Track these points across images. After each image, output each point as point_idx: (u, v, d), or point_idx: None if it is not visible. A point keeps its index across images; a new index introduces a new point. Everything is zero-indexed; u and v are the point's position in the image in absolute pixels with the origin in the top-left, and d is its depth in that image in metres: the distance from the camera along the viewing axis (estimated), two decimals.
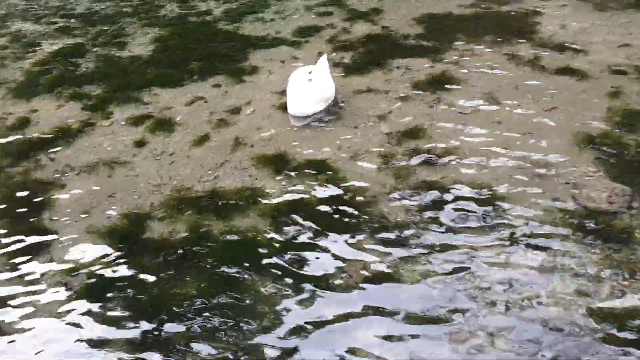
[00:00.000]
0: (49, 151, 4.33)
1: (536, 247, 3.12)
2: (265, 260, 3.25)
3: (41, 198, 3.88)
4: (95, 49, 5.96)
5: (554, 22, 5.58)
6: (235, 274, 3.19)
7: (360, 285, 3.07)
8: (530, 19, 5.70)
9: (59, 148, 4.36)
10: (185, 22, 6.49)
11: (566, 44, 5.13)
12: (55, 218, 3.72)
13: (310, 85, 4.36)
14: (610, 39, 5.16)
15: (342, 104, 4.55)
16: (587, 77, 4.59)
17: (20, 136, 4.55)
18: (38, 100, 5.05)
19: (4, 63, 5.76)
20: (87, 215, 3.71)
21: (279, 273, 3.17)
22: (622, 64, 4.72)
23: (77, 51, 5.93)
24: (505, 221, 3.31)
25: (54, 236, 3.57)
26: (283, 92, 4.60)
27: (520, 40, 5.27)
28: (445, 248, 3.21)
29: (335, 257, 3.24)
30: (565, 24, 5.52)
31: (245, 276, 3.18)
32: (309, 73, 4.43)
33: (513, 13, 5.87)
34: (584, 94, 4.38)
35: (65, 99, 5.02)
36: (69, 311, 3.11)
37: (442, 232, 3.31)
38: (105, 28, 6.48)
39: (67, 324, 3.05)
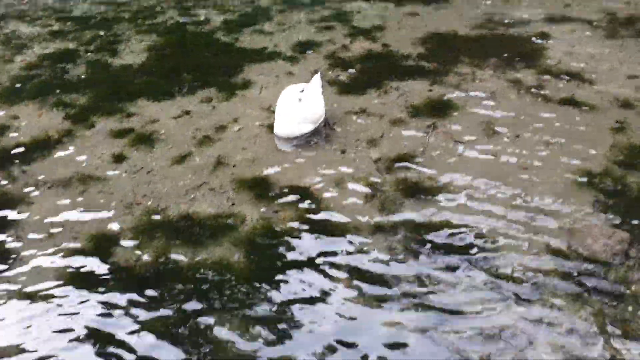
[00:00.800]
0: (23, 162, 4.14)
1: (525, 299, 2.88)
2: (234, 296, 3.03)
3: (7, 214, 3.69)
4: (87, 55, 5.80)
5: (561, 48, 5.36)
6: (200, 309, 2.98)
7: (333, 323, 2.85)
8: (537, 44, 5.47)
9: (35, 160, 4.17)
10: (182, 31, 6.32)
11: (572, 72, 4.90)
12: (20, 236, 3.52)
13: (300, 105, 4.16)
14: (619, 68, 4.93)
15: (334, 126, 4.34)
16: (592, 109, 4.35)
17: None
18: (21, 106, 4.88)
19: None
20: (52, 235, 3.50)
21: (248, 312, 2.95)
22: (629, 97, 4.48)
23: (68, 56, 5.77)
24: (493, 268, 3.07)
25: (14, 256, 3.37)
26: (273, 110, 4.41)
27: (524, 66, 5.05)
28: (425, 293, 2.98)
29: (309, 297, 3.01)
30: (573, 51, 5.29)
31: (211, 313, 2.96)
32: (301, 92, 4.24)
33: (520, 35, 5.65)
34: (587, 127, 4.15)
35: (49, 106, 4.85)
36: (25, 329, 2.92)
37: (424, 274, 3.08)
38: (100, 33, 6.32)
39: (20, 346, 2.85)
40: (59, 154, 4.22)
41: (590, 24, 5.85)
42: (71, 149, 4.28)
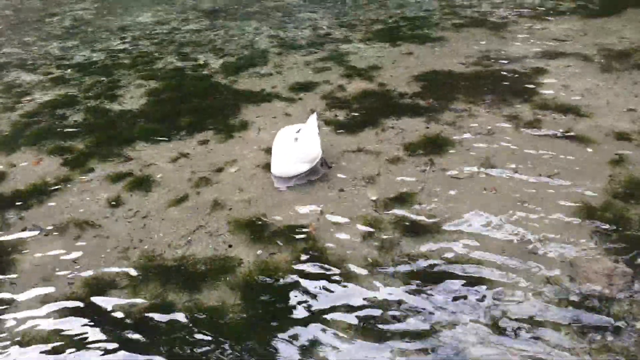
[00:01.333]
0: (19, 209, 4.13)
1: (525, 336, 2.80)
2: (231, 342, 2.96)
3: (2, 262, 3.65)
4: (86, 101, 5.85)
5: (557, 83, 5.38)
6: (195, 354, 2.91)
7: None
8: (532, 79, 5.50)
9: (31, 206, 4.16)
10: (181, 76, 6.39)
11: (569, 107, 4.90)
12: (14, 283, 3.48)
13: (296, 145, 4.16)
14: (616, 102, 4.93)
15: (332, 165, 4.33)
16: (590, 143, 4.33)
17: None
18: (19, 153, 4.90)
19: None
20: (48, 281, 3.46)
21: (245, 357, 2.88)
22: (627, 130, 4.47)
23: (68, 102, 5.82)
24: (493, 305, 3.01)
25: (8, 305, 3.31)
26: (270, 150, 4.40)
27: (520, 101, 5.06)
28: (425, 332, 2.91)
29: (307, 341, 2.94)
30: (568, 85, 5.32)
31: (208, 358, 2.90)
32: (297, 132, 4.24)
33: (516, 71, 5.69)
34: (585, 161, 4.12)
35: (47, 153, 4.86)
36: None
37: (424, 312, 3.01)
38: (100, 79, 6.39)
39: None
40: (56, 200, 4.21)
41: (585, 58, 5.89)
42: (68, 194, 4.26)
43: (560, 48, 6.23)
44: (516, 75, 5.62)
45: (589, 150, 4.25)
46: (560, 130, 4.53)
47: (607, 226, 3.45)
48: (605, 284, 2.99)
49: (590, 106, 4.88)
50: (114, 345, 3.00)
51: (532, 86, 5.35)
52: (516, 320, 2.92)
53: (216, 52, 7.04)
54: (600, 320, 2.86)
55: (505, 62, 5.97)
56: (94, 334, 3.08)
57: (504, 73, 5.71)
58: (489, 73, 5.75)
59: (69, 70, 6.75)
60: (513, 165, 4.13)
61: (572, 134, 4.47)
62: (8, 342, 3.07)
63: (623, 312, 2.88)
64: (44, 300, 3.33)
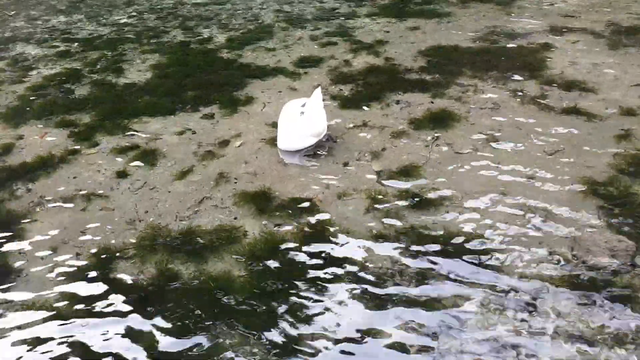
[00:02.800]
0: (27, 181, 4.17)
1: (529, 308, 2.84)
2: (236, 309, 3.01)
3: (12, 230, 3.70)
4: (92, 75, 5.86)
5: (564, 59, 5.35)
6: (201, 324, 2.95)
7: (336, 340, 2.81)
8: (539, 55, 5.46)
9: (38, 178, 4.19)
10: (186, 50, 6.38)
11: (575, 82, 4.88)
12: (23, 253, 3.53)
13: (302, 119, 4.17)
14: (623, 77, 4.91)
15: (337, 139, 4.34)
16: (596, 118, 4.32)
17: (0, 164, 4.40)
18: (26, 126, 4.92)
19: None
20: (56, 251, 3.51)
21: (247, 331, 2.93)
22: (633, 105, 4.45)
23: (74, 76, 5.83)
24: (497, 277, 3.03)
25: (19, 272, 3.37)
26: (275, 124, 4.42)
27: (527, 77, 5.04)
28: (430, 302, 2.94)
29: (312, 312, 2.98)
30: (576, 61, 5.28)
31: (213, 327, 2.94)
32: (302, 106, 4.24)
33: (523, 47, 5.65)
34: (591, 136, 4.11)
35: (54, 126, 4.88)
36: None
37: (427, 284, 3.04)
38: (105, 53, 6.39)
39: None
40: (63, 172, 4.24)
41: (593, 34, 5.84)
42: (75, 167, 4.30)
43: (569, 23, 6.17)
44: (523, 51, 5.58)
45: (595, 125, 4.24)
46: (567, 106, 4.51)
47: (611, 201, 3.46)
48: (608, 257, 3.00)
49: (597, 82, 4.86)
50: (121, 314, 3.05)
51: (538, 62, 5.32)
52: (518, 291, 2.95)
53: (222, 26, 7.01)
54: (602, 293, 2.88)
55: (513, 37, 5.92)
56: (101, 303, 3.12)
57: (511, 49, 5.67)
58: (496, 48, 5.71)
59: (75, 44, 6.74)
60: (517, 141, 4.12)
61: (578, 109, 4.45)
62: (16, 309, 3.13)
63: (623, 285, 2.91)
64: (52, 269, 3.37)
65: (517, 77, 5.05)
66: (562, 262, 3.08)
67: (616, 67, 5.09)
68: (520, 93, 4.77)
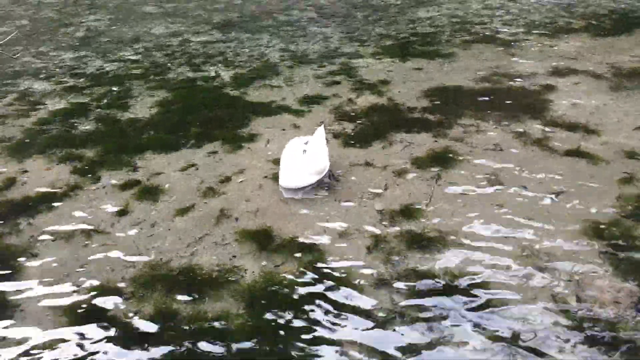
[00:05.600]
0: (28, 216, 4.16)
1: (532, 354, 2.78)
2: (234, 353, 2.96)
3: (11, 265, 3.68)
4: (97, 110, 5.91)
5: (566, 100, 5.38)
6: None
7: None
8: (541, 96, 5.51)
9: (40, 212, 4.19)
10: (192, 86, 6.44)
11: (578, 124, 4.90)
12: (20, 289, 3.49)
13: (304, 157, 4.18)
14: (625, 120, 4.93)
15: (339, 177, 4.34)
16: (599, 161, 4.32)
17: (2, 198, 4.40)
18: (30, 160, 4.94)
19: (5, 121, 5.72)
20: (53, 288, 3.47)
21: None
22: (636, 147, 4.46)
23: (80, 111, 5.88)
24: (500, 321, 2.99)
25: (16, 308, 3.33)
26: (278, 161, 4.43)
27: (529, 118, 5.06)
28: (428, 346, 2.89)
29: (310, 354, 2.93)
30: (578, 103, 5.31)
31: None
32: (305, 144, 4.26)
33: (525, 88, 5.69)
34: (594, 179, 4.11)
35: (57, 160, 4.90)
36: None
37: (428, 328, 2.99)
38: (112, 89, 6.46)
39: None
40: (65, 207, 4.24)
41: (595, 76, 5.89)
42: (77, 202, 4.29)
43: (571, 65, 6.23)
44: (525, 92, 5.63)
45: (598, 168, 4.24)
46: (569, 147, 4.52)
47: (615, 244, 3.43)
48: (612, 303, 2.96)
49: (599, 124, 4.88)
50: (118, 353, 3.00)
51: (541, 103, 5.35)
52: (521, 336, 2.90)
53: (227, 64, 7.10)
54: (606, 339, 2.83)
55: (515, 78, 5.98)
56: (99, 341, 3.08)
57: (513, 90, 5.72)
58: (498, 89, 5.76)
59: (82, 79, 6.82)
60: (520, 183, 4.12)
61: (581, 151, 4.46)
62: (10, 345, 3.08)
63: (629, 332, 2.85)
64: (50, 305, 3.34)
65: (519, 118, 5.08)
66: (565, 306, 3.03)
67: (618, 110, 5.12)
68: (522, 134, 4.79)
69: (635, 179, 4.05)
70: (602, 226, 3.60)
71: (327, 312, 3.15)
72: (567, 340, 2.85)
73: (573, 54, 6.60)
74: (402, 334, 2.97)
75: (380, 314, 3.10)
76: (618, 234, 3.52)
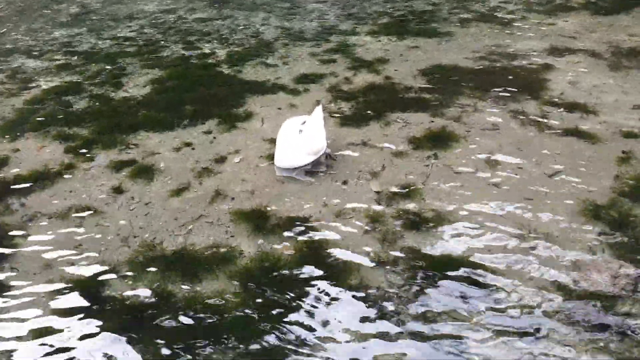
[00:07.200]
0: (22, 195, 4.12)
1: (529, 335, 2.78)
2: (230, 330, 2.95)
3: (4, 245, 3.65)
4: (91, 88, 5.83)
5: (565, 79, 5.33)
6: (195, 343, 2.89)
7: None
8: (540, 75, 5.45)
9: (33, 192, 4.15)
10: (186, 64, 6.36)
11: (576, 103, 4.86)
12: (15, 267, 3.47)
13: (300, 136, 4.13)
14: (624, 99, 4.89)
15: (336, 157, 4.30)
16: (597, 140, 4.29)
17: None
18: (23, 139, 4.89)
19: None
20: (48, 266, 3.45)
21: (244, 347, 2.87)
22: (635, 127, 4.42)
23: (73, 89, 5.81)
24: (496, 302, 2.98)
25: (10, 288, 3.31)
26: (274, 141, 4.38)
27: (527, 97, 5.01)
28: (427, 327, 2.89)
29: (307, 332, 2.92)
30: (576, 82, 5.27)
31: (206, 347, 2.88)
32: (302, 123, 4.22)
33: (523, 67, 5.64)
34: (591, 158, 4.08)
35: (51, 139, 4.85)
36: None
37: (425, 308, 2.99)
38: (105, 67, 6.37)
39: None
40: (59, 186, 4.20)
41: (594, 55, 5.83)
42: (71, 181, 4.25)
43: (569, 44, 6.16)
44: (524, 71, 5.57)
45: (596, 147, 4.21)
46: (567, 127, 4.49)
47: (612, 224, 3.42)
48: (609, 283, 2.95)
49: (598, 103, 4.83)
50: (113, 332, 2.99)
51: (539, 82, 5.30)
52: (518, 317, 2.90)
53: (222, 41, 7.01)
54: (602, 319, 2.83)
55: (513, 57, 5.91)
56: (93, 320, 3.07)
57: (511, 69, 5.65)
58: (496, 68, 5.70)
59: (75, 57, 6.73)
60: (517, 162, 4.09)
61: (579, 130, 4.43)
62: (5, 324, 3.07)
63: (626, 312, 2.85)
64: (45, 284, 3.32)
65: (517, 97, 5.03)
66: (563, 287, 3.02)
67: (617, 89, 5.07)
68: (520, 113, 4.75)
69: (633, 159, 4.03)
70: (600, 206, 3.58)
71: (323, 292, 3.14)
72: (565, 321, 2.84)
73: (572, 32, 6.53)
74: (398, 314, 2.96)
75: (377, 294, 3.09)
76: (615, 214, 3.50)
